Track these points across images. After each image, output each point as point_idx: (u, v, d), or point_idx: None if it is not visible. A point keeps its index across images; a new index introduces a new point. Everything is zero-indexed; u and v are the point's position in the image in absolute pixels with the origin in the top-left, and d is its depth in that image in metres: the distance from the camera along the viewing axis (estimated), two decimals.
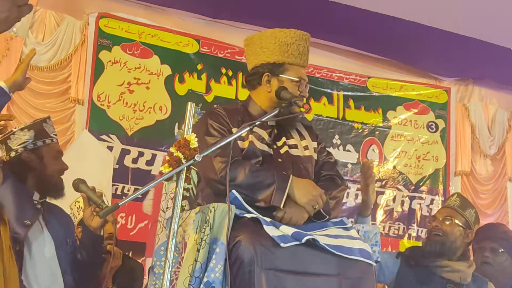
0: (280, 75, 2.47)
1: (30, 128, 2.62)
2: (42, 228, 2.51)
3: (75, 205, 3.21)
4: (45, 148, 2.60)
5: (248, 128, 2.16)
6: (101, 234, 2.47)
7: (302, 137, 2.56)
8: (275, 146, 2.45)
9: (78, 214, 3.18)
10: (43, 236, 2.50)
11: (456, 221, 3.05)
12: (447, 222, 3.05)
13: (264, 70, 2.50)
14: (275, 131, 2.49)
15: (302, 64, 2.51)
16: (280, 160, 2.41)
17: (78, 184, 2.32)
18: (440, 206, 5.89)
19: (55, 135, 2.71)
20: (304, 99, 2.53)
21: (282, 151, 2.44)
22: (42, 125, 2.64)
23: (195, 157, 1.98)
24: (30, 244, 2.44)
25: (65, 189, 2.65)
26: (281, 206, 2.21)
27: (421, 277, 2.99)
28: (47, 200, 2.64)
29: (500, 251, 3.36)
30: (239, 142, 2.35)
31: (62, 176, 2.64)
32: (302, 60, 2.50)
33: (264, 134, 2.44)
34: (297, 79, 2.46)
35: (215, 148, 2.09)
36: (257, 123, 2.23)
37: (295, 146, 2.49)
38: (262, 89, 2.51)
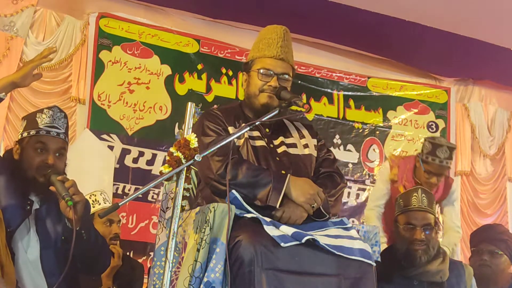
0: (250, 70, 2.50)
1: (25, 118, 2.48)
2: (29, 228, 2.39)
3: (90, 198, 3.19)
4: (26, 139, 2.40)
5: (248, 128, 2.16)
6: (78, 228, 2.22)
7: (301, 136, 2.55)
8: (271, 145, 2.45)
9: (93, 207, 3.15)
10: (28, 237, 2.38)
11: (433, 226, 2.96)
12: (428, 231, 2.94)
13: (243, 70, 2.58)
14: (267, 130, 2.49)
15: (270, 55, 2.47)
16: (278, 158, 2.41)
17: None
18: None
19: (50, 126, 2.41)
20: (304, 98, 2.53)
21: (279, 150, 2.44)
22: (36, 115, 2.43)
23: (195, 157, 1.98)
24: (13, 246, 2.33)
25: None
26: (277, 206, 2.21)
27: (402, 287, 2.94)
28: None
29: (498, 253, 3.35)
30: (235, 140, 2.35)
31: (46, 174, 2.35)
32: (270, 51, 2.48)
33: (258, 131, 2.45)
34: (258, 69, 2.46)
35: (216, 147, 2.10)
36: (256, 123, 2.23)
37: (294, 145, 2.49)
38: None
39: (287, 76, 2.48)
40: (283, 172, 2.33)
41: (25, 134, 2.43)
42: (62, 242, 2.40)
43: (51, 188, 2.30)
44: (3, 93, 2.29)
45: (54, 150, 2.42)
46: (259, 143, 2.42)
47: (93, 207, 3.18)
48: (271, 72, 2.44)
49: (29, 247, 2.37)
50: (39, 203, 2.44)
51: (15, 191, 2.38)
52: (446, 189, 3.91)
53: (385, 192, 3.85)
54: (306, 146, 2.52)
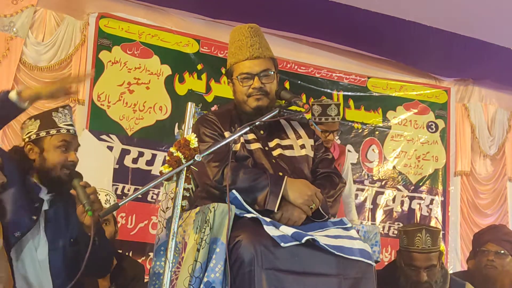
0: (232, 78, 2.49)
1: (37, 118, 2.47)
2: (39, 230, 2.41)
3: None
4: (47, 139, 2.41)
5: (247, 129, 2.16)
6: (92, 233, 2.22)
7: (298, 136, 2.54)
8: (267, 148, 2.44)
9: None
10: (39, 237, 2.40)
11: (436, 263, 2.98)
12: (431, 271, 2.97)
13: (227, 78, 2.57)
14: (261, 132, 2.48)
15: (243, 58, 2.45)
16: (274, 161, 2.40)
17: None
18: (439, 207, 5.90)
19: (68, 125, 2.47)
20: (304, 98, 2.52)
21: (275, 153, 2.43)
22: (51, 114, 2.45)
23: (195, 157, 1.98)
24: (21, 245, 2.36)
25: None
26: (275, 210, 2.20)
27: None
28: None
29: (504, 254, 3.36)
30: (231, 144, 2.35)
31: (69, 172, 2.42)
32: (243, 54, 2.45)
33: (253, 134, 2.44)
34: (237, 76, 2.45)
35: (217, 147, 2.09)
36: (256, 123, 2.23)
37: (291, 147, 2.47)
38: None
39: (269, 72, 2.44)
40: (280, 174, 2.33)
41: (42, 134, 2.42)
42: (71, 244, 2.42)
43: (72, 191, 2.31)
44: (27, 103, 2.22)
45: (75, 148, 2.48)
46: (254, 146, 2.41)
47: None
48: (250, 75, 2.43)
49: (39, 247, 2.39)
50: (48, 203, 2.44)
51: (27, 191, 2.39)
52: (342, 158, 4.23)
53: None
54: (302, 146, 2.50)
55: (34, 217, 2.37)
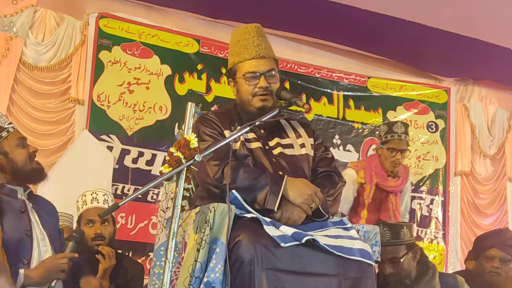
0: (235, 77, 2.48)
1: None
2: (37, 224, 2.53)
3: (81, 198, 3.22)
4: (5, 142, 2.55)
5: (248, 128, 2.16)
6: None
7: (298, 135, 2.54)
8: (267, 147, 2.44)
9: (81, 208, 3.17)
10: (39, 232, 2.53)
11: (400, 257, 2.99)
12: (396, 264, 2.97)
13: (227, 77, 2.55)
14: (262, 131, 2.48)
15: (249, 57, 2.44)
16: (274, 160, 2.40)
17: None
18: (439, 207, 5.90)
19: (10, 123, 2.63)
20: (304, 98, 2.51)
21: (276, 152, 2.43)
22: None
23: (195, 157, 1.98)
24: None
25: (46, 171, 2.72)
26: (275, 209, 2.20)
27: None
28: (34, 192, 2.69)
29: (508, 260, 3.34)
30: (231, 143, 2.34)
31: (37, 160, 2.65)
32: (249, 53, 2.44)
33: (253, 133, 2.44)
34: (243, 75, 2.43)
35: (217, 147, 2.09)
36: (256, 123, 2.23)
37: (291, 146, 2.47)
38: None
39: (273, 72, 2.44)
40: (280, 173, 2.33)
41: None
42: (60, 235, 2.64)
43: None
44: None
45: (26, 139, 2.65)
46: (255, 145, 2.41)
47: (82, 207, 3.20)
48: (257, 74, 2.42)
49: (41, 240, 2.54)
50: (25, 195, 2.60)
51: (11, 198, 2.53)
52: (406, 178, 4.16)
53: (351, 193, 4.06)
54: (302, 145, 2.50)
55: (27, 231, 2.50)
